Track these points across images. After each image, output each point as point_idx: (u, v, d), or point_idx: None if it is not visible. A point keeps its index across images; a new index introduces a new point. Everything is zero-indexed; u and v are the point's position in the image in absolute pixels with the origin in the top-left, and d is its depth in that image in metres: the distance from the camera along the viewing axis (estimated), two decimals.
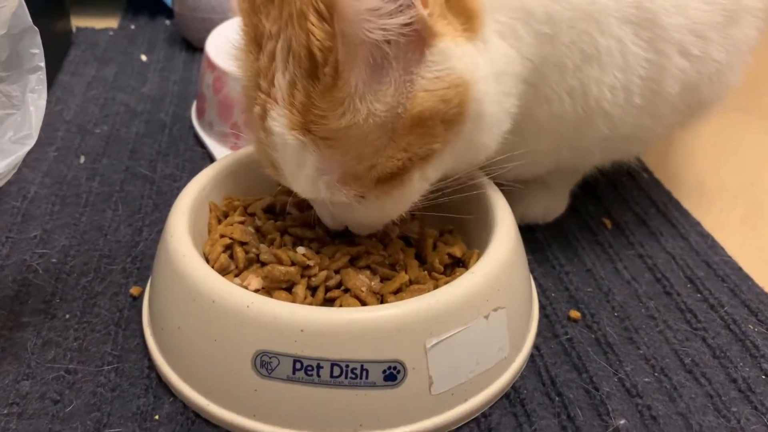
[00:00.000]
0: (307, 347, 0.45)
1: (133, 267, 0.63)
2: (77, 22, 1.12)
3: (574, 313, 0.59)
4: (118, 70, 0.99)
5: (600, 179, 0.74)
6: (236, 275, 0.53)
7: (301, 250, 0.52)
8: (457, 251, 0.55)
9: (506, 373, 0.52)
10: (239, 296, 0.46)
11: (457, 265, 0.56)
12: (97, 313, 0.58)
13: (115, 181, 0.75)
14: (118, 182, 0.75)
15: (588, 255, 0.67)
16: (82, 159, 0.78)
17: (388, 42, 0.43)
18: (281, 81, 0.45)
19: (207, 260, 0.54)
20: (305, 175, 0.47)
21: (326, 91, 0.43)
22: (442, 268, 0.55)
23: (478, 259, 0.54)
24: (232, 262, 0.54)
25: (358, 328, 0.45)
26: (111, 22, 1.15)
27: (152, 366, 0.53)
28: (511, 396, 0.52)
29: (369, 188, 0.47)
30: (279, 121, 0.45)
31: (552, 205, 0.70)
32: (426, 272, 0.54)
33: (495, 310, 0.49)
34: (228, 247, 0.55)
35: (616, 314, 0.60)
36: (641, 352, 0.56)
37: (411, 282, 0.53)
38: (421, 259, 0.56)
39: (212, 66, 0.79)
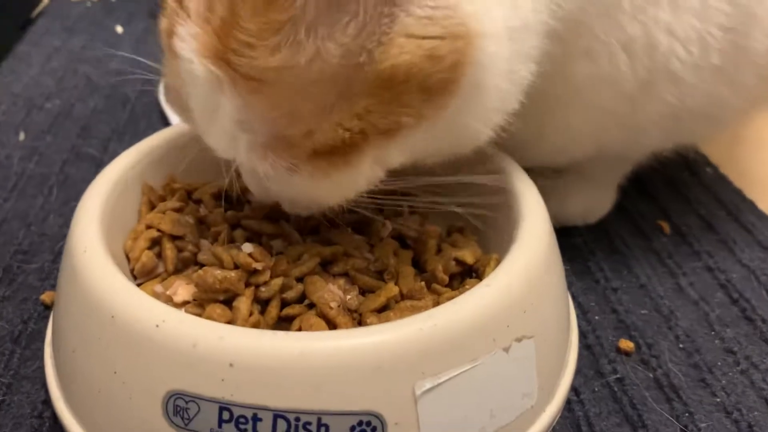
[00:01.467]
0: (239, 390, 0.30)
1: (53, 267, 0.49)
2: None
3: (626, 344, 0.44)
4: (87, 42, 0.86)
5: (653, 172, 0.59)
6: (164, 281, 0.39)
7: (247, 247, 0.38)
8: (467, 256, 0.41)
9: (533, 428, 0.37)
10: (147, 311, 0.32)
11: (468, 275, 0.41)
12: None
13: (55, 162, 0.62)
14: (59, 164, 0.61)
15: (642, 266, 0.51)
16: (22, 136, 0.65)
17: None
18: None
19: (128, 259, 0.40)
20: (219, 127, 0.34)
21: (258, 7, 0.29)
22: (446, 279, 0.40)
23: (496, 266, 0.40)
24: (159, 262, 0.40)
25: (316, 363, 0.30)
26: None
27: (48, 401, 0.39)
28: None
29: (302, 161, 0.34)
30: (188, 42, 0.32)
31: (594, 203, 0.55)
32: (424, 283, 0.39)
33: (519, 340, 0.34)
34: (156, 243, 0.40)
35: (681, 346, 0.45)
36: (718, 400, 0.41)
37: (402, 296, 0.39)
38: (420, 266, 0.42)
39: None
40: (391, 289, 0.38)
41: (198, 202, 0.44)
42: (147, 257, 0.39)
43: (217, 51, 0.31)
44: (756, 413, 0.40)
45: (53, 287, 0.48)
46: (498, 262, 0.40)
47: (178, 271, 0.40)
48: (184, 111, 0.37)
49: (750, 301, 0.48)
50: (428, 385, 0.32)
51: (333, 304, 0.36)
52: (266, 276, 0.37)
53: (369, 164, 0.35)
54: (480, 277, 0.40)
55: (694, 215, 0.58)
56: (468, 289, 0.38)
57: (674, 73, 0.42)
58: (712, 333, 0.46)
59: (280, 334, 0.32)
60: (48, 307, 0.46)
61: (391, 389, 0.31)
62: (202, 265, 0.40)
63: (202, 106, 0.34)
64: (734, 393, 0.42)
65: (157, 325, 0.31)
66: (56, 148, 0.63)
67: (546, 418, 0.37)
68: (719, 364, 0.44)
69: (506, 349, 0.34)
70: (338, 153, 0.33)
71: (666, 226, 0.56)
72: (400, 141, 0.34)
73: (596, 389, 0.42)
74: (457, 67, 0.32)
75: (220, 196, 0.45)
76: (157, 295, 0.37)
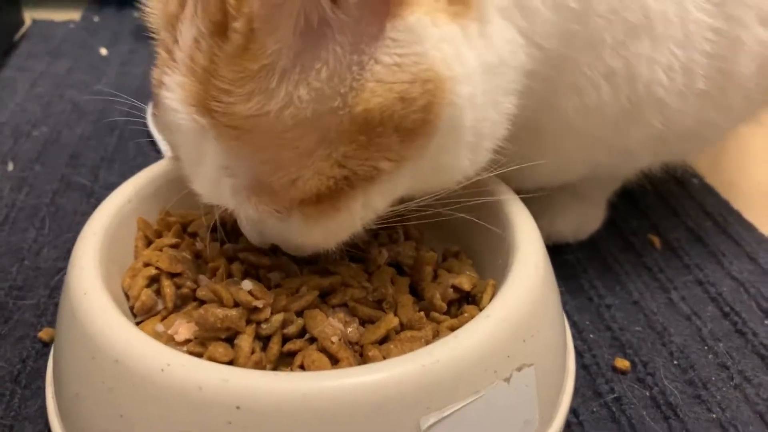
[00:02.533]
0: (246, 431, 0.31)
1: (50, 302, 0.49)
2: (35, 14, 0.99)
3: (621, 362, 0.45)
4: (72, 65, 0.86)
5: (641, 186, 0.59)
6: (164, 318, 0.39)
7: (246, 285, 0.38)
8: (464, 283, 0.41)
9: None
10: (151, 355, 0.32)
11: (466, 301, 0.42)
12: None
13: (45, 192, 0.61)
14: (50, 194, 0.61)
15: (634, 282, 0.52)
16: (11, 166, 0.65)
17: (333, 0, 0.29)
18: (186, 36, 0.32)
19: (127, 298, 0.40)
20: (206, 173, 0.35)
21: (234, 56, 0.30)
22: (445, 307, 0.40)
23: (494, 293, 0.40)
24: (158, 299, 0.40)
25: (320, 404, 0.31)
26: (73, 15, 1.02)
27: None
28: None
29: (288, 208, 0.34)
30: (174, 92, 0.32)
31: (586, 219, 0.56)
32: (423, 312, 0.40)
33: (519, 369, 0.35)
34: (154, 280, 0.40)
35: (675, 362, 0.45)
36: (714, 416, 0.42)
37: (402, 326, 0.39)
38: (418, 293, 0.42)
39: None
40: (391, 321, 0.38)
41: (193, 235, 0.44)
42: (146, 296, 0.39)
43: (200, 99, 0.32)
44: (751, 428, 0.41)
45: (50, 324, 0.47)
46: (494, 287, 0.41)
47: (177, 307, 0.40)
48: (173, 152, 0.37)
49: (740, 314, 0.49)
50: (432, 420, 0.32)
51: (334, 339, 0.37)
52: (267, 313, 0.37)
53: (359, 208, 0.35)
54: (477, 303, 0.40)
55: (683, 228, 0.58)
56: (467, 317, 0.39)
57: (659, 99, 0.42)
58: (705, 348, 0.47)
59: (283, 376, 0.32)
60: (46, 345, 0.46)
61: (395, 426, 0.32)
62: (201, 301, 0.40)
63: (189, 153, 0.35)
64: (729, 408, 0.42)
65: (162, 369, 0.32)
66: (46, 178, 0.63)
67: None
68: (713, 379, 0.44)
69: (507, 380, 0.34)
70: (325, 200, 0.34)
71: (656, 241, 0.56)
72: (384, 184, 0.35)
73: (594, 410, 0.42)
74: (431, 108, 0.32)
75: (215, 228, 0.45)
76: (158, 335, 0.37)
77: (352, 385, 0.31)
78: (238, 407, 0.31)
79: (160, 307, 0.40)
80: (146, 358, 0.32)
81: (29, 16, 0.97)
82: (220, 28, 0.31)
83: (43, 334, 0.46)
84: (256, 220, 0.38)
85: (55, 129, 0.71)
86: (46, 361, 0.44)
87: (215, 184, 0.35)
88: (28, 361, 0.45)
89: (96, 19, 1.01)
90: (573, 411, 0.41)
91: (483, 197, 0.42)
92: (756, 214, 0.61)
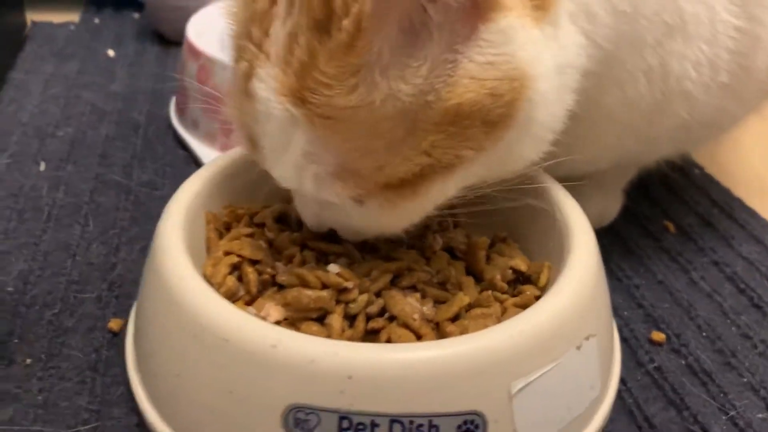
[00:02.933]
0: (357, 399, 0.33)
1: (111, 295, 0.51)
2: (33, 16, 0.99)
3: (657, 335, 0.49)
4: (81, 67, 0.86)
5: (650, 177, 0.64)
6: (248, 303, 0.41)
7: (333, 268, 0.41)
8: (521, 264, 0.44)
9: (597, 417, 0.41)
10: (262, 333, 0.35)
11: (519, 282, 0.45)
12: (67, 356, 0.46)
13: (83, 191, 0.62)
14: (87, 192, 0.62)
15: (656, 264, 0.56)
16: (43, 166, 0.66)
17: (434, 1, 0.32)
18: (279, 31, 0.34)
19: (209, 285, 0.42)
20: (289, 160, 0.37)
21: (338, 51, 0.32)
22: (505, 286, 0.44)
23: (549, 274, 0.44)
24: (240, 286, 0.42)
25: (426, 371, 0.34)
26: (71, 16, 1.02)
27: (142, 423, 0.41)
28: None
29: (371, 192, 0.37)
30: (267, 82, 0.35)
31: (607, 207, 0.60)
32: (487, 292, 0.43)
33: (587, 338, 0.39)
34: (235, 267, 0.43)
35: (704, 334, 0.50)
36: (745, 380, 0.46)
37: (471, 306, 0.42)
38: (475, 276, 0.45)
39: (196, 53, 0.67)
40: (462, 299, 0.41)
41: (260, 225, 0.47)
42: (232, 281, 0.41)
43: (294, 90, 0.34)
44: None
45: (115, 315, 0.49)
46: (551, 269, 0.44)
47: (259, 294, 0.42)
48: (252, 146, 0.39)
49: (755, 290, 0.54)
50: (521, 385, 0.35)
51: (416, 316, 0.40)
52: (354, 293, 0.40)
53: (436, 192, 0.38)
54: (535, 283, 0.44)
55: (693, 214, 0.63)
56: (528, 295, 0.43)
57: (688, 92, 0.46)
58: (728, 321, 0.51)
59: (390, 347, 0.35)
60: (116, 335, 0.47)
61: (490, 390, 0.35)
62: (280, 287, 0.42)
63: (274, 141, 0.37)
64: (758, 373, 0.47)
65: (274, 345, 0.34)
66: (80, 177, 0.64)
67: (606, 407, 0.42)
68: (739, 348, 0.49)
69: (578, 348, 0.38)
70: (407, 185, 0.37)
71: (671, 226, 0.61)
72: (461, 171, 0.38)
73: (639, 378, 0.46)
74: (514, 104, 0.36)
75: (281, 219, 0.47)
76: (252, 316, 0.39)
77: (454, 353, 0.34)
78: (350, 377, 0.33)
79: (241, 292, 0.42)
80: (257, 335, 0.35)
81: (27, 17, 0.97)
82: (322, 25, 0.33)
83: (113, 324, 0.48)
84: (321, 206, 0.41)
85: (79, 130, 0.72)
86: (117, 349, 0.46)
87: (298, 170, 0.37)
88: (101, 350, 0.46)
89: (96, 20, 1.01)
90: (621, 379, 0.45)
91: (528, 186, 0.46)
92: (755, 201, 0.66)
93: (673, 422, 0.43)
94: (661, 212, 0.63)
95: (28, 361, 0.45)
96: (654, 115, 0.47)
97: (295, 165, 0.37)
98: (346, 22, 0.32)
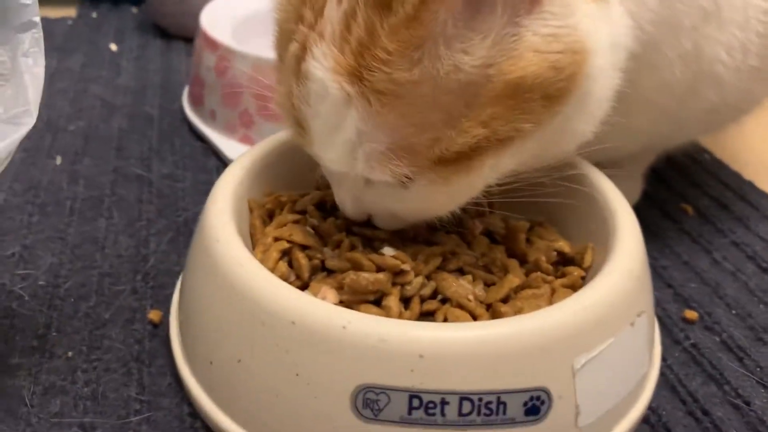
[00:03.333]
0: (428, 378, 0.34)
1: (146, 286, 0.50)
2: None
3: (690, 314, 0.50)
4: (86, 61, 0.85)
5: (662, 163, 0.65)
6: (300, 288, 0.41)
7: (389, 251, 0.41)
8: (565, 246, 0.45)
9: (645, 392, 0.42)
10: (330, 314, 0.35)
11: (561, 264, 0.46)
12: (108, 347, 0.45)
13: (103, 183, 0.62)
14: (108, 185, 0.62)
15: (679, 246, 0.58)
16: (59, 160, 0.65)
17: None
18: (334, 11, 0.35)
19: None
20: (342, 140, 0.37)
21: (401, 26, 0.33)
22: (551, 268, 0.44)
23: (593, 255, 0.45)
24: (291, 271, 0.42)
25: (495, 348, 0.34)
26: (68, 11, 1.01)
27: (195, 413, 0.41)
28: (651, 420, 0.42)
29: (424, 168, 0.37)
30: (322, 62, 0.35)
31: (630, 191, 0.60)
32: (536, 273, 0.43)
33: (639, 315, 0.39)
34: (284, 254, 0.43)
35: (734, 312, 0.51)
36: None
37: (519, 288, 0.43)
38: (517, 258, 0.46)
39: (213, 45, 0.67)
40: (513, 281, 0.42)
41: (302, 212, 0.47)
42: (284, 267, 0.41)
43: (350, 69, 0.34)
44: None
45: (152, 306, 0.49)
46: (594, 250, 0.45)
47: (310, 278, 0.42)
48: (299, 130, 0.39)
49: None
50: (584, 360, 0.36)
51: (470, 297, 0.40)
52: (411, 276, 0.40)
53: (489, 168, 0.38)
54: (579, 264, 0.45)
55: (707, 197, 0.64)
56: (576, 276, 0.43)
57: (719, 75, 0.48)
58: (755, 299, 0.52)
59: (458, 325, 0.35)
60: (156, 326, 0.47)
61: (555, 366, 0.35)
62: (329, 271, 0.42)
63: (326, 122, 0.37)
64: None
65: (344, 327, 0.34)
66: (98, 170, 0.64)
67: (652, 382, 0.43)
68: None
69: (632, 324, 0.39)
70: (462, 159, 0.37)
71: (689, 209, 0.62)
72: (516, 146, 0.38)
73: (677, 354, 0.47)
74: (574, 78, 0.36)
75: (321, 206, 0.47)
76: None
77: (522, 330, 0.35)
78: (421, 356, 0.34)
79: (292, 278, 0.42)
80: (326, 317, 0.35)
81: None
82: (383, 1, 0.33)
83: (153, 315, 0.47)
84: (363, 191, 0.40)
85: (91, 123, 0.71)
86: (160, 341, 0.46)
87: (350, 150, 0.37)
88: (144, 342, 0.46)
89: (94, 15, 1.00)
90: (662, 357, 0.46)
91: (565, 170, 0.47)
92: (764, 185, 0.67)
93: (715, 396, 0.44)
94: (678, 196, 0.64)
95: (70, 354, 0.45)
96: (686, 98, 0.49)
97: (347, 145, 0.37)
98: None
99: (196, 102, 0.71)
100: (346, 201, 0.42)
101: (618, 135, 0.50)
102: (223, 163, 0.65)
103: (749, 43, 0.47)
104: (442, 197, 0.40)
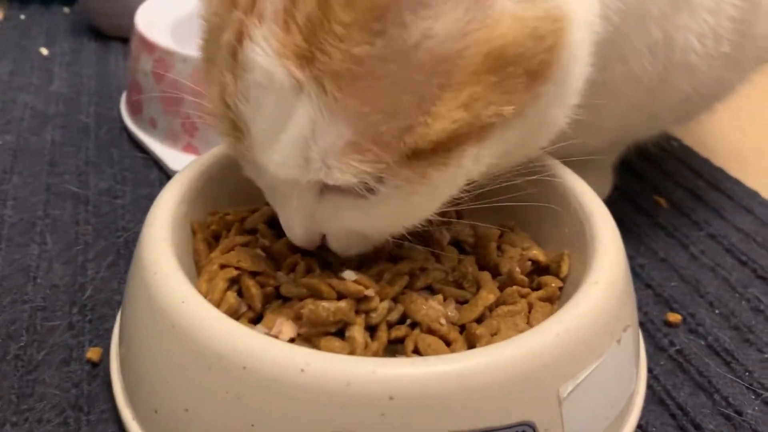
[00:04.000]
0: (400, 421, 0.30)
1: (83, 320, 0.46)
2: None
3: (673, 316, 0.47)
4: (14, 67, 0.79)
5: (631, 152, 0.62)
6: (252, 321, 0.37)
7: (350, 275, 0.37)
8: (540, 255, 0.42)
9: (634, 410, 0.39)
10: (287, 356, 0.31)
11: (536, 273, 0.43)
12: (42, 394, 0.41)
13: (35, 204, 0.56)
14: (40, 206, 0.56)
15: (655, 242, 0.55)
16: None
17: None
18: None
19: None
20: (291, 138, 0.31)
21: None
22: (526, 280, 0.41)
23: (570, 263, 0.41)
24: (242, 302, 0.38)
25: (474, 382, 0.30)
26: None
27: None
28: None
29: (395, 164, 0.31)
30: (264, 46, 0.30)
31: (601, 185, 0.57)
32: (512, 287, 0.40)
33: (625, 330, 0.36)
34: (233, 281, 0.38)
35: (717, 311, 0.48)
36: (766, 355, 0.45)
37: (493, 304, 0.39)
38: (488, 270, 0.42)
39: (149, 47, 0.61)
40: (487, 298, 0.38)
41: (252, 231, 0.43)
42: (233, 298, 0.37)
43: (299, 51, 0.30)
44: None
45: (92, 343, 0.44)
46: (570, 258, 0.42)
47: (263, 309, 0.38)
48: (234, 133, 0.34)
49: (756, 261, 0.53)
50: (570, 387, 0.33)
51: (442, 321, 0.37)
52: (376, 301, 0.36)
53: (469, 161, 0.34)
54: (555, 273, 0.41)
55: (680, 188, 0.62)
56: (553, 287, 0.40)
57: (691, 64, 0.45)
58: (737, 295, 0.50)
59: (432, 359, 0.31)
60: (96, 365, 0.42)
61: (540, 396, 0.32)
62: (285, 299, 0.38)
63: (269, 117, 0.32)
64: None
65: (302, 370, 0.30)
66: (29, 190, 0.58)
67: (640, 398, 0.40)
68: (754, 323, 0.47)
69: (619, 341, 0.36)
70: (440, 150, 0.32)
71: (662, 201, 0.60)
72: (498, 134, 0.33)
73: (663, 363, 0.44)
74: (555, 50, 0.33)
75: (274, 222, 0.43)
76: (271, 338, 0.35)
77: (502, 360, 0.31)
78: (391, 398, 0.30)
79: (243, 308, 0.38)
80: (282, 359, 0.31)
81: None
82: None
83: (91, 354, 0.43)
84: (316, 209, 0.35)
85: (21, 136, 0.66)
86: (100, 382, 0.41)
87: (302, 150, 0.31)
88: (82, 384, 0.41)
89: (22, 17, 0.93)
90: (647, 368, 0.43)
91: (534, 170, 0.43)
92: (736, 169, 0.65)
93: (705, 407, 0.41)
94: (650, 187, 0.62)
95: None
96: (658, 90, 0.46)
97: (298, 143, 0.31)
98: None
99: (135, 109, 0.65)
100: (295, 223, 0.37)
101: (588, 129, 0.47)
102: (166, 175, 0.60)
103: (721, 29, 0.44)
104: (417, 199, 0.34)
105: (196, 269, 0.41)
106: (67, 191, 0.58)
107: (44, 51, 0.83)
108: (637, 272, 0.52)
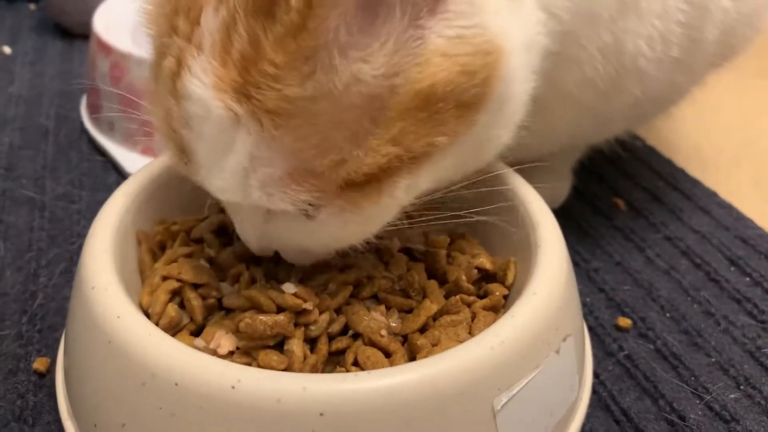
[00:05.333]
0: None
1: (32, 329, 0.45)
2: None
3: (623, 321, 0.48)
4: None
5: (593, 153, 0.62)
6: (194, 333, 0.37)
7: (289, 287, 0.37)
8: (486, 263, 0.42)
9: (577, 417, 0.39)
10: (217, 373, 0.31)
11: (484, 281, 0.43)
12: None
13: None
14: None
15: (611, 245, 0.55)
16: None
17: None
18: (211, 20, 0.30)
19: (147, 316, 0.38)
20: (232, 166, 0.32)
21: (287, 35, 0.29)
22: (472, 288, 0.41)
23: (515, 270, 0.42)
24: (183, 314, 0.38)
25: (405, 398, 0.31)
26: None
27: None
28: None
29: (330, 194, 0.33)
30: (202, 78, 0.30)
31: (558, 188, 0.58)
32: (456, 297, 0.40)
33: (564, 339, 0.36)
34: (175, 293, 0.38)
35: (668, 315, 0.49)
36: (714, 360, 0.46)
37: (437, 312, 0.39)
38: (437, 277, 0.42)
39: (106, 49, 0.61)
40: (430, 308, 0.38)
41: (199, 241, 0.42)
42: (174, 311, 0.37)
43: (235, 86, 0.30)
44: (746, 366, 0.45)
45: (40, 353, 0.44)
46: (516, 265, 0.42)
47: (205, 321, 0.38)
48: (181, 156, 0.34)
49: (710, 264, 0.53)
50: (504, 399, 0.33)
51: (383, 332, 0.37)
52: (315, 314, 0.36)
53: (403, 190, 0.34)
54: (501, 281, 0.41)
55: (639, 189, 0.62)
56: (498, 296, 0.40)
57: (641, 69, 0.45)
58: (689, 299, 0.50)
59: (363, 375, 0.31)
60: (43, 376, 0.42)
61: (474, 410, 0.32)
62: (227, 310, 0.38)
63: (211, 147, 0.32)
64: (724, 351, 0.46)
65: (233, 386, 0.30)
66: None
67: (584, 405, 0.40)
68: (703, 326, 0.48)
69: (557, 351, 0.36)
70: (372, 182, 0.33)
71: (621, 203, 0.60)
72: (433, 163, 0.34)
73: (610, 368, 0.45)
74: (488, 82, 0.33)
75: (222, 230, 0.43)
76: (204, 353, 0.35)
77: (432, 375, 0.31)
78: (321, 414, 0.30)
79: (185, 321, 0.38)
80: (213, 376, 0.31)
81: None
82: (265, 8, 0.29)
83: (38, 364, 0.43)
84: (267, 223, 0.36)
85: None
86: (47, 393, 0.41)
87: (242, 178, 0.32)
88: (27, 396, 0.41)
89: None
90: (594, 372, 0.44)
91: (484, 176, 0.43)
92: (696, 169, 0.66)
93: (649, 412, 0.42)
94: (609, 188, 0.62)
95: None
96: (610, 94, 0.46)
97: (238, 172, 0.32)
98: (294, 1, 0.28)
99: (94, 111, 0.65)
100: (250, 236, 0.37)
101: (539, 135, 0.47)
102: (124, 178, 0.59)
103: (670, 34, 0.44)
104: (352, 226, 0.35)
105: (141, 280, 0.41)
106: (23, 196, 0.58)
107: (7, 50, 0.82)
108: (591, 276, 0.52)
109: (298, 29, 0.28)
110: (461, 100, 0.32)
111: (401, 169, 0.33)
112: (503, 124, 0.37)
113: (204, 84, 0.31)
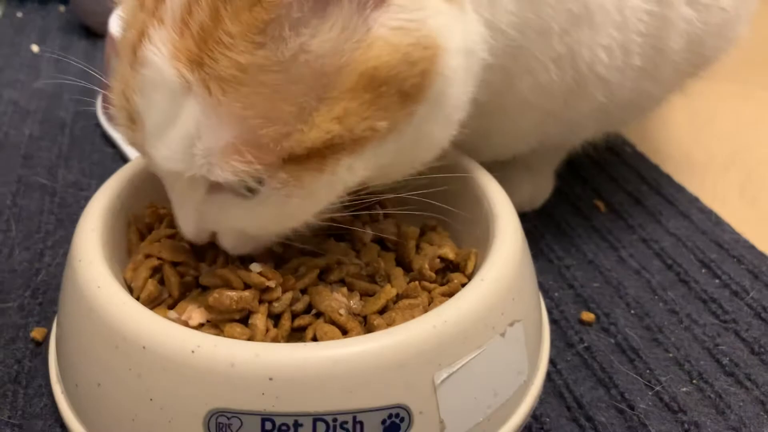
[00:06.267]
0: (279, 400, 0.33)
1: (34, 302, 0.49)
2: None
3: (587, 315, 0.50)
4: (4, 64, 0.83)
5: (582, 155, 0.65)
6: (170, 307, 0.41)
7: (256, 267, 0.40)
8: (449, 253, 0.44)
9: (526, 400, 0.41)
10: (180, 338, 0.34)
11: (449, 270, 0.45)
12: None
13: (4, 194, 0.60)
14: (9, 196, 0.60)
15: (587, 244, 0.57)
16: None
17: None
18: None
19: (130, 290, 0.41)
20: (178, 134, 0.34)
21: (244, 8, 0.32)
22: (434, 276, 0.44)
23: (476, 260, 0.44)
24: (163, 289, 0.41)
25: (347, 367, 0.33)
26: None
27: None
28: (533, 428, 0.42)
29: (272, 166, 0.34)
30: (160, 47, 0.33)
31: (538, 189, 0.60)
32: (414, 282, 0.43)
33: (511, 324, 0.39)
34: (156, 270, 0.42)
35: (632, 311, 0.51)
36: (671, 355, 0.47)
37: (399, 297, 0.42)
38: (404, 266, 0.45)
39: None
40: (390, 292, 0.41)
41: None
42: (153, 286, 0.40)
43: (190, 55, 0.33)
44: (702, 362, 0.47)
45: (39, 323, 0.48)
46: (477, 256, 0.44)
47: (182, 296, 0.41)
48: (129, 123, 0.37)
49: (682, 265, 0.55)
50: (445, 375, 0.35)
51: (342, 311, 0.39)
52: (278, 292, 0.39)
53: (344, 170, 0.36)
54: (462, 270, 0.44)
55: (622, 192, 0.64)
56: (456, 284, 0.43)
57: (602, 76, 0.47)
58: (656, 297, 0.52)
59: (311, 346, 0.34)
60: (39, 344, 0.46)
61: (414, 382, 0.35)
62: (204, 288, 0.42)
63: (160, 113, 0.34)
64: (682, 347, 0.48)
65: (193, 351, 0.33)
66: (2, 180, 0.62)
67: (535, 390, 0.42)
68: (666, 323, 0.50)
69: (503, 334, 0.38)
70: (315, 157, 0.34)
71: (601, 205, 0.62)
72: (372, 148, 0.36)
73: (569, 359, 0.47)
74: (427, 74, 0.35)
75: None
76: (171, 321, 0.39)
77: (376, 348, 0.34)
78: (270, 378, 0.33)
79: (165, 296, 0.41)
80: (176, 341, 0.34)
81: None
82: None
83: (36, 333, 0.46)
84: (205, 205, 0.37)
85: (1, 130, 0.70)
86: (42, 360, 0.45)
87: (187, 146, 0.34)
88: (24, 361, 0.45)
89: (19, 14, 0.97)
90: (551, 361, 0.46)
91: (456, 173, 0.46)
92: (683, 176, 0.67)
93: (601, 401, 0.44)
94: (592, 191, 0.64)
95: None
96: (569, 99, 0.48)
97: (184, 140, 0.34)
98: None
99: (107, 107, 0.69)
100: (187, 218, 0.39)
101: (504, 136, 0.50)
102: None
103: (630, 43, 0.46)
104: (295, 202, 0.36)
105: (129, 258, 0.44)
106: (37, 183, 0.62)
107: (35, 48, 0.87)
108: (562, 272, 0.54)
109: (255, 3, 0.31)
110: (402, 89, 0.35)
111: (344, 148, 0.35)
112: (440, 121, 0.39)
113: (161, 53, 0.33)
